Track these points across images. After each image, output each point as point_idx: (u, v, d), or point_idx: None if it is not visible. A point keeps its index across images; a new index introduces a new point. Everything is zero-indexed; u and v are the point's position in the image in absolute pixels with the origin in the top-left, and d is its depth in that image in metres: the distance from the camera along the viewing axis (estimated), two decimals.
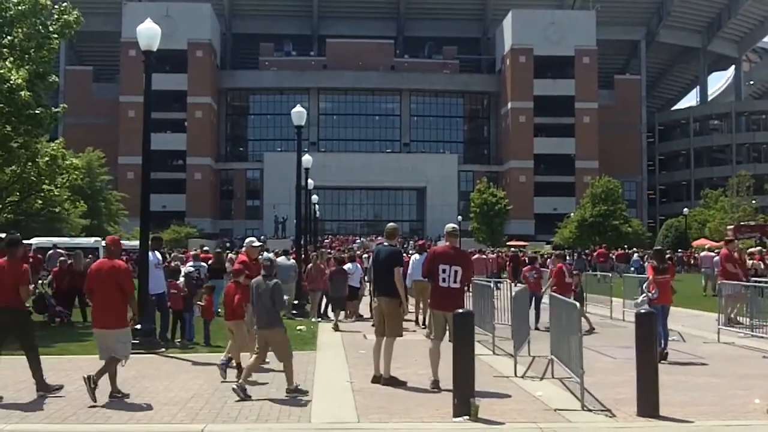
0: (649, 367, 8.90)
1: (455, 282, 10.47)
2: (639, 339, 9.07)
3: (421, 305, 18.77)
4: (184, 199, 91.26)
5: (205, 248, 25.60)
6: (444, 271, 10.48)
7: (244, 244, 13.93)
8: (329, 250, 47.24)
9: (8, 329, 9.97)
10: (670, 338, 14.14)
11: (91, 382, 9.37)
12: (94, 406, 9.16)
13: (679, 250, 55.99)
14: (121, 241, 43.82)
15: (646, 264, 27.79)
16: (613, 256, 51.23)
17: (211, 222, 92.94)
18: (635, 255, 49.50)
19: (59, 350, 14.42)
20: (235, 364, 11.24)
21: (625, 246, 59.13)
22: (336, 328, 18.30)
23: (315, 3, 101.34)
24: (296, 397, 9.83)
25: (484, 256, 36.46)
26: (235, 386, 9.79)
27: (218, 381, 11.02)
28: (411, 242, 74.27)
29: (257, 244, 14.17)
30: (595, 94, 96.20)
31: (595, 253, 51.72)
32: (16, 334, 10.12)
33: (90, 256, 24.95)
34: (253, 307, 10.37)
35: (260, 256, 13.64)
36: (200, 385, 10.70)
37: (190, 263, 21.78)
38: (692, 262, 53.11)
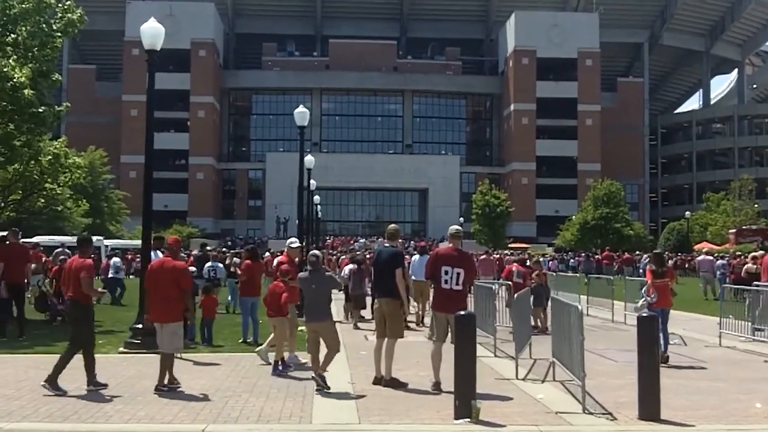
0: (651, 370, 8.90)
1: (457, 284, 10.46)
2: (640, 342, 9.07)
3: (420, 305, 19.17)
4: (186, 199, 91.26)
5: (209, 248, 25.58)
6: (446, 273, 10.48)
7: (286, 245, 14.05)
8: (331, 251, 47.38)
9: (70, 320, 10.89)
10: (671, 342, 14.14)
11: (161, 387, 10.29)
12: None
13: (679, 254, 55.91)
14: (122, 240, 43.58)
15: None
16: (620, 259, 51.24)
17: (213, 222, 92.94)
18: (645, 257, 49.40)
19: (61, 349, 14.40)
20: (278, 359, 11.97)
21: (625, 249, 59.13)
22: (356, 327, 18.65)
23: (318, 3, 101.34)
24: (321, 389, 10.26)
25: (491, 258, 36.40)
26: (314, 375, 10.58)
27: (219, 381, 11.02)
28: (412, 243, 74.39)
29: (297, 244, 14.27)
30: (598, 97, 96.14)
31: (600, 256, 51.81)
32: (71, 324, 10.88)
33: (93, 255, 24.94)
34: (305, 302, 10.86)
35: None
36: (202, 385, 10.70)
37: (209, 264, 21.91)
38: (686, 266, 52.96)
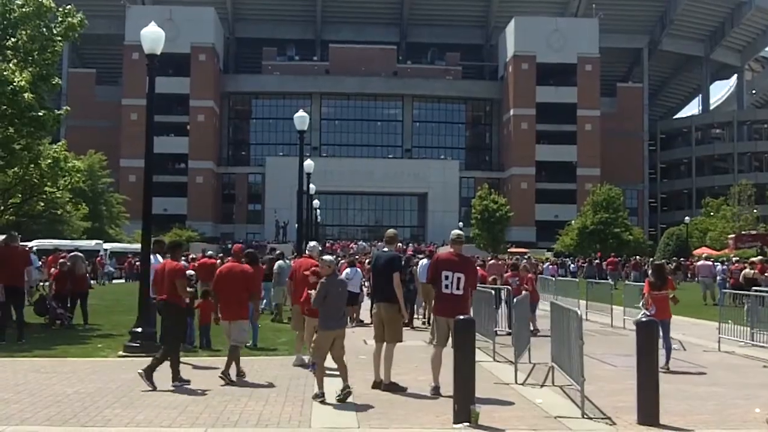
0: (650, 375, 8.90)
1: (458, 289, 10.45)
2: (640, 347, 9.07)
3: (427, 306, 19.81)
4: (186, 203, 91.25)
5: (209, 252, 25.53)
6: (447, 278, 10.48)
7: (309, 248, 14.48)
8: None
9: (164, 320, 11.61)
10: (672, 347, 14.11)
11: (226, 377, 11.15)
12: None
13: (681, 259, 55.89)
14: (121, 244, 43.64)
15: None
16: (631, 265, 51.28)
17: (213, 226, 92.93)
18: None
19: (60, 352, 14.43)
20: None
21: (627, 254, 59.14)
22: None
23: (318, 8, 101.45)
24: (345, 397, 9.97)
25: (500, 262, 36.46)
26: (345, 389, 10.05)
27: (219, 385, 11.01)
28: (410, 245, 74.45)
29: (319, 247, 15.24)
30: (598, 102, 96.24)
31: (605, 262, 51.86)
32: (164, 324, 11.64)
33: (100, 258, 24.99)
34: (327, 307, 10.29)
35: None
36: (201, 389, 10.70)
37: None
38: (688, 273, 52.85)
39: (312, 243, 15.59)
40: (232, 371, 11.40)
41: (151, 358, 11.11)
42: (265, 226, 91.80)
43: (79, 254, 21.69)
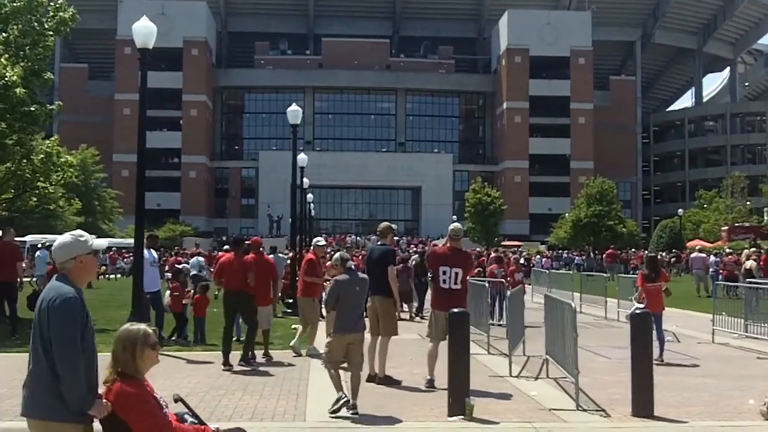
0: (644, 367, 8.92)
1: (456, 283, 10.44)
2: (634, 339, 9.09)
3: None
4: (179, 197, 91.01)
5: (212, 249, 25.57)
6: (444, 272, 10.46)
7: (313, 244, 15.22)
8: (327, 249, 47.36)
9: (237, 309, 12.91)
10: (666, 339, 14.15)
11: (249, 358, 12.64)
12: None
13: (674, 251, 55.96)
14: (115, 239, 43.64)
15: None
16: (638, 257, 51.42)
17: (206, 220, 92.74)
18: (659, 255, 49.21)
19: None
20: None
21: (621, 246, 59.22)
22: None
23: (311, 2, 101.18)
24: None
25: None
26: (348, 402, 8.95)
27: (213, 379, 11.01)
28: (404, 239, 74.50)
29: (323, 243, 15.83)
30: (591, 95, 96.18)
31: (604, 254, 51.99)
32: (242, 313, 13.17)
33: (112, 252, 24.96)
34: (340, 308, 9.30)
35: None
36: (195, 384, 10.69)
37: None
38: (682, 264, 53.02)
39: (316, 239, 16.48)
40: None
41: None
42: (259, 220, 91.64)
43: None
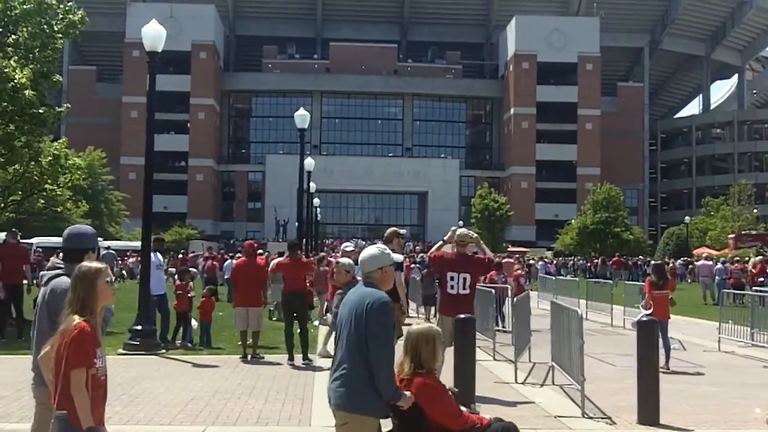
0: (650, 375, 8.90)
1: (464, 288, 10.37)
2: (640, 347, 9.06)
3: None
4: (186, 201, 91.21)
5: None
6: (452, 278, 10.39)
7: (342, 249, 15.12)
8: (332, 252, 47.36)
9: (296, 308, 13.56)
10: (671, 347, 14.12)
11: (255, 353, 13.60)
12: None
13: (683, 258, 55.79)
14: (121, 242, 43.90)
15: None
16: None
17: (213, 224, 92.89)
18: (678, 262, 48.93)
19: None
20: None
21: (626, 254, 59.12)
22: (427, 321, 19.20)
23: (319, 6, 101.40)
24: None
25: (511, 260, 36.53)
26: None
27: (218, 383, 11.01)
28: (410, 244, 74.41)
29: (351, 248, 15.08)
30: (598, 101, 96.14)
31: (610, 261, 51.89)
32: (299, 313, 13.64)
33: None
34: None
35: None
36: (201, 387, 10.69)
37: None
38: (688, 272, 52.87)
39: (345, 244, 16.76)
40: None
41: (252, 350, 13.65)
42: (265, 224, 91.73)
43: (112, 251, 21.70)
